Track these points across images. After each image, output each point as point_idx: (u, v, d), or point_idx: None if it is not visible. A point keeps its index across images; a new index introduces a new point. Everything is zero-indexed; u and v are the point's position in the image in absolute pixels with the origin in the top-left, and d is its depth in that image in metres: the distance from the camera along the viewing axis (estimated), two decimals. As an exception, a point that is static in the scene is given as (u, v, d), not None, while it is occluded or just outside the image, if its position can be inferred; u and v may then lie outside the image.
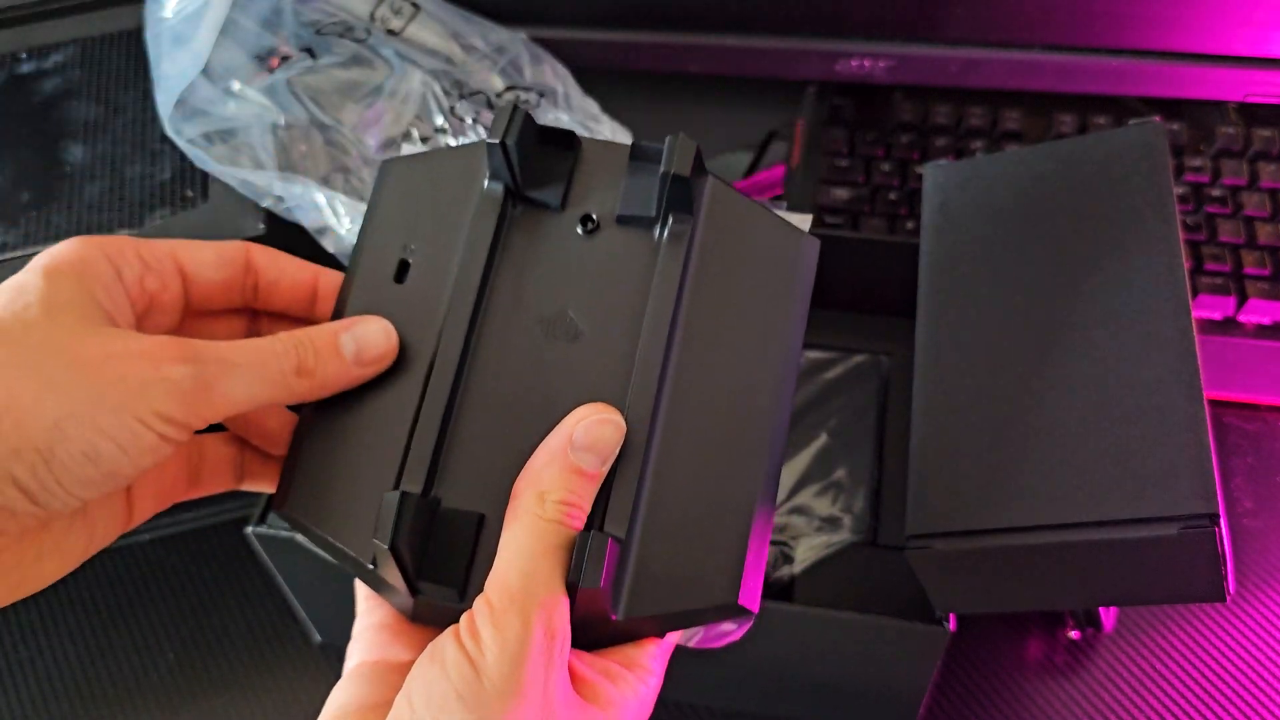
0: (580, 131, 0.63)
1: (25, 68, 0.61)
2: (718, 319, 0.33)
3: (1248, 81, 0.65)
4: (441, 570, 0.31)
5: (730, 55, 0.69)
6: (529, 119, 0.33)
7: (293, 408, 0.35)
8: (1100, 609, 0.53)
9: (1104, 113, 0.68)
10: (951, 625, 0.44)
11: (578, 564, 0.28)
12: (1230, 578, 0.41)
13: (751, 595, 0.31)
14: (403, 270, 0.34)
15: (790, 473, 0.56)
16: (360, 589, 0.36)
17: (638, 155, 0.34)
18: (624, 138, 0.65)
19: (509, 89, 0.64)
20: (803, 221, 0.35)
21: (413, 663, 0.31)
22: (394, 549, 0.29)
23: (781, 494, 0.55)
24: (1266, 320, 0.61)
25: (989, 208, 0.50)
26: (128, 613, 0.58)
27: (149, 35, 0.55)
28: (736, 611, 0.31)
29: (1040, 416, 0.43)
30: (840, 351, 0.60)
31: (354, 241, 0.39)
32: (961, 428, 0.44)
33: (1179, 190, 0.64)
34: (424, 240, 0.34)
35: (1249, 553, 0.56)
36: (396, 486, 0.31)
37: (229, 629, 0.57)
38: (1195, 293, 0.61)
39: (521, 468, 0.31)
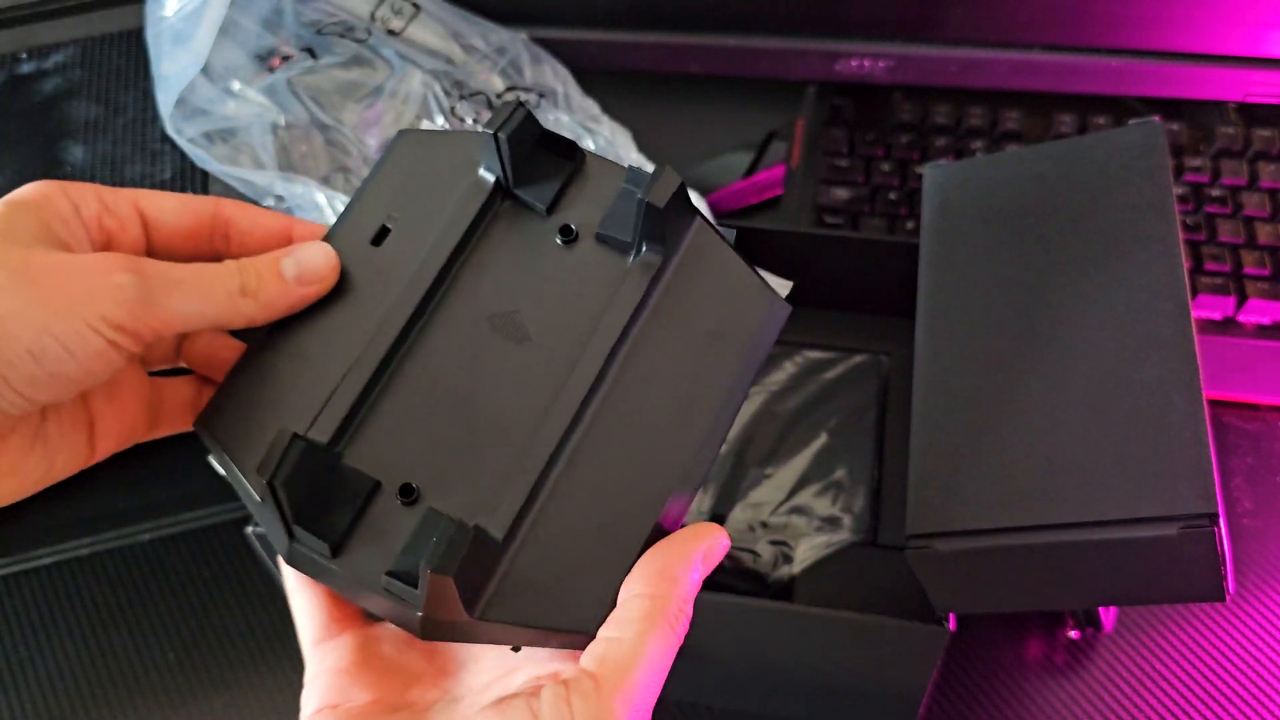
0: (579, 133, 0.63)
1: (25, 68, 0.61)
2: (663, 355, 0.32)
3: (1247, 81, 0.65)
4: (322, 523, 0.30)
5: (730, 55, 0.69)
6: (530, 119, 0.33)
7: (242, 338, 0.35)
8: (1100, 609, 0.53)
9: (1104, 113, 0.68)
10: (951, 625, 0.44)
11: (436, 548, 0.27)
12: (1230, 577, 0.41)
13: None
14: (381, 235, 0.34)
15: (790, 473, 0.56)
16: (303, 635, 0.35)
17: (633, 180, 0.34)
18: (624, 138, 0.65)
19: (509, 89, 0.64)
20: (782, 287, 0.35)
21: (375, 703, 0.31)
22: (271, 486, 0.28)
23: (781, 494, 0.55)
24: (1266, 320, 0.61)
25: (989, 208, 0.50)
26: (128, 613, 0.58)
27: (149, 34, 0.55)
28: (583, 640, 0.30)
29: (1040, 416, 0.43)
30: (840, 351, 0.60)
31: None
32: (961, 428, 0.44)
33: (1179, 190, 0.64)
34: (410, 211, 0.35)
35: (1248, 552, 0.56)
36: (307, 431, 0.31)
37: (229, 629, 0.57)
38: (1195, 293, 0.61)
39: (428, 450, 0.31)
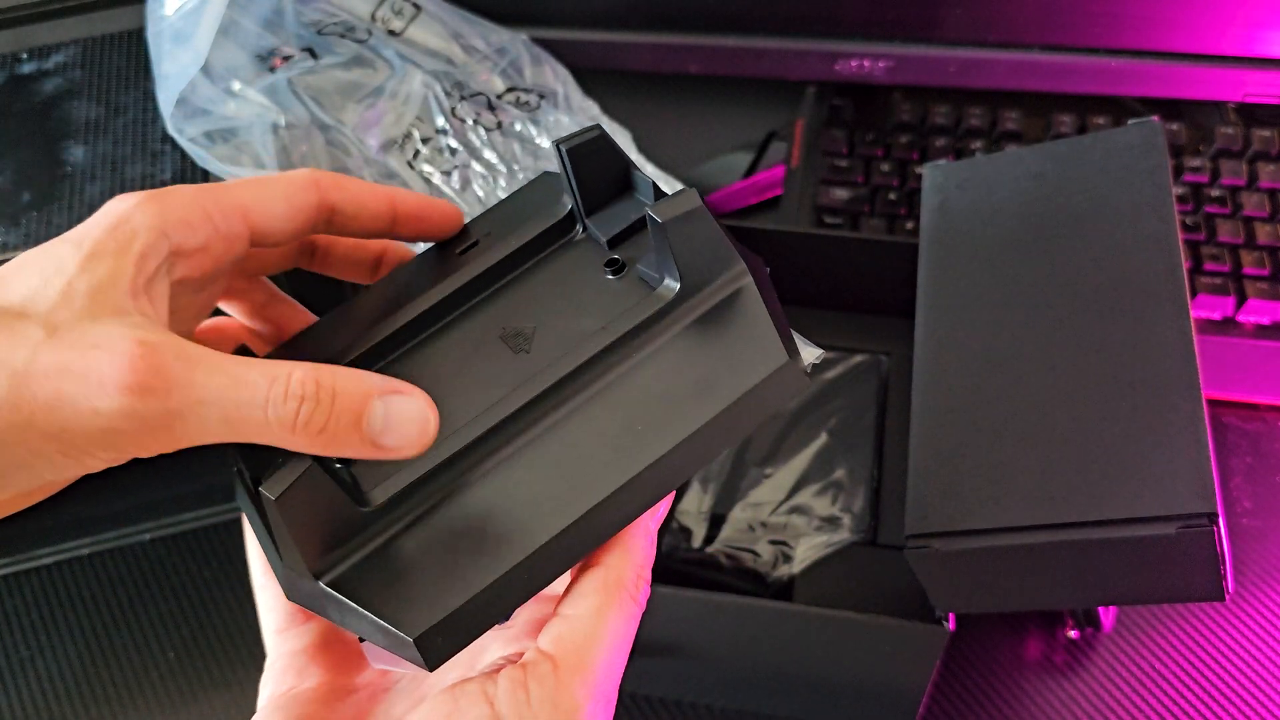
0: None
1: (26, 68, 0.61)
2: (635, 387, 0.30)
3: (1246, 82, 0.65)
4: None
5: (730, 55, 0.69)
6: (609, 146, 0.32)
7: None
8: (1099, 609, 0.53)
9: (1103, 113, 0.68)
10: (951, 625, 0.45)
11: (276, 473, 0.26)
12: (1229, 577, 0.41)
13: (438, 657, 0.28)
14: (470, 247, 0.34)
15: (790, 472, 0.56)
16: (266, 625, 0.34)
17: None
18: (624, 139, 0.65)
19: (509, 90, 0.64)
20: (809, 353, 0.33)
21: (327, 686, 0.30)
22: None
23: (781, 493, 0.55)
24: (1265, 320, 0.61)
25: (988, 208, 0.50)
26: (128, 612, 0.58)
27: (150, 34, 0.55)
28: (410, 654, 0.28)
29: (1039, 416, 0.43)
30: (840, 351, 0.60)
31: None
32: (961, 427, 0.44)
33: (1178, 190, 0.64)
34: (500, 230, 0.34)
35: (1248, 552, 0.56)
36: None
37: (229, 629, 0.57)
38: (1194, 293, 0.61)
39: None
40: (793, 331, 0.32)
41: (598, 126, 0.32)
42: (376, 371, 0.30)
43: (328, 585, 0.28)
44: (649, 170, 0.62)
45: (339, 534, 0.28)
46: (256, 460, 0.28)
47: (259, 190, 0.30)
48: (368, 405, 0.26)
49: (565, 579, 0.30)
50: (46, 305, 0.25)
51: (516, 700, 0.26)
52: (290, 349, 0.34)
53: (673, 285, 0.31)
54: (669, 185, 0.61)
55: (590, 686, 0.27)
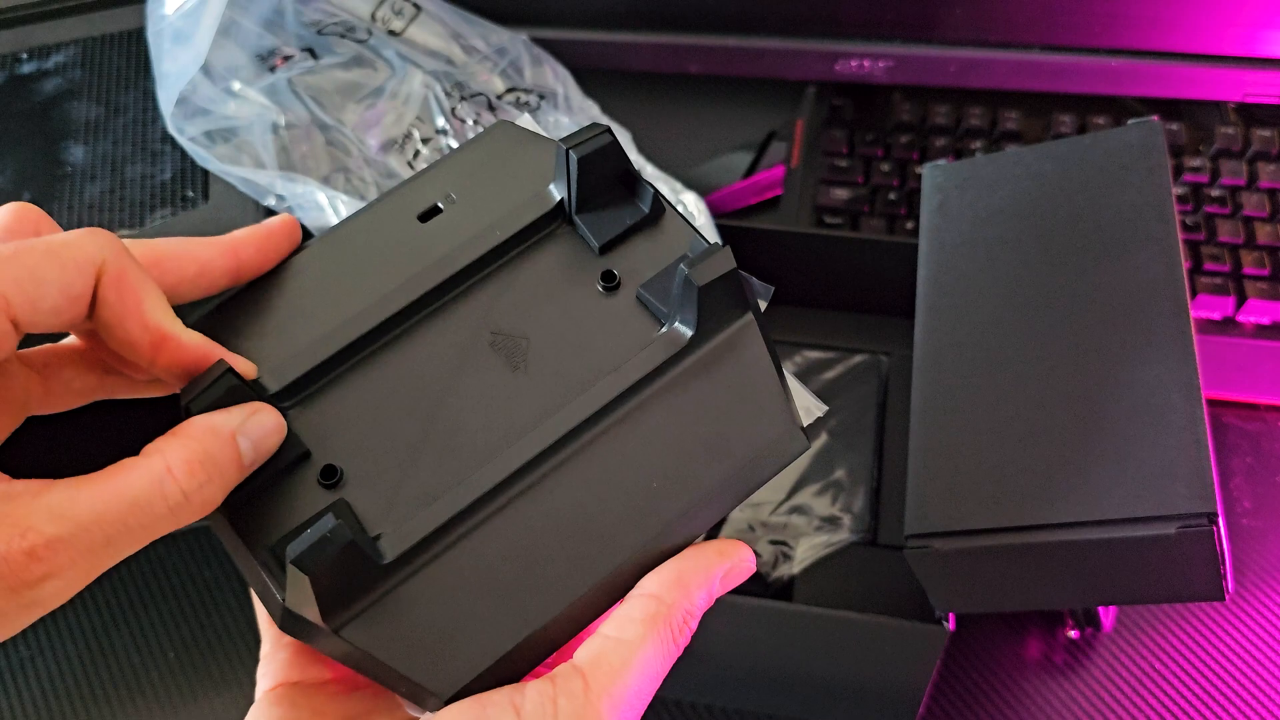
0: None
1: (26, 68, 0.61)
2: (650, 439, 0.29)
3: (1246, 82, 0.65)
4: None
5: (730, 55, 0.69)
6: (615, 149, 0.31)
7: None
8: (1099, 608, 0.53)
9: (1103, 113, 0.68)
10: (951, 624, 0.45)
11: (305, 541, 0.25)
12: (1229, 577, 0.41)
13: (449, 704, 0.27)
14: (431, 213, 0.33)
15: (790, 472, 0.56)
16: (261, 611, 0.33)
17: (695, 249, 0.31)
18: (624, 139, 0.65)
19: (509, 90, 0.64)
20: (815, 409, 0.32)
21: (337, 682, 0.30)
22: (186, 409, 0.27)
23: (781, 493, 0.55)
24: (1266, 320, 0.61)
25: (988, 208, 0.50)
26: (128, 612, 0.58)
27: (150, 33, 0.55)
28: (433, 703, 0.28)
29: (1039, 416, 0.43)
30: (840, 351, 0.60)
31: None
32: (960, 428, 0.44)
33: (1178, 190, 0.64)
34: (469, 199, 0.33)
35: (1248, 552, 0.56)
36: (259, 377, 0.29)
37: (229, 629, 0.57)
38: (1194, 293, 0.61)
39: (373, 441, 0.29)
40: (795, 381, 0.32)
41: (606, 129, 0.31)
42: (353, 367, 0.30)
43: (344, 637, 0.27)
44: (648, 171, 0.62)
45: (355, 587, 0.27)
46: (240, 501, 0.28)
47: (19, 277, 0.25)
48: (235, 446, 0.27)
49: None
50: None
51: (543, 713, 0.26)
52: (227, 331, 0.31)
53: (685, 333, 0.30)
54: (669, 185, 0.61)
55: (616, 710, 0.27)
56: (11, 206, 0.28)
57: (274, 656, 0.32)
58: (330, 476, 0.29)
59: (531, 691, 0.27)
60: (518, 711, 0.26)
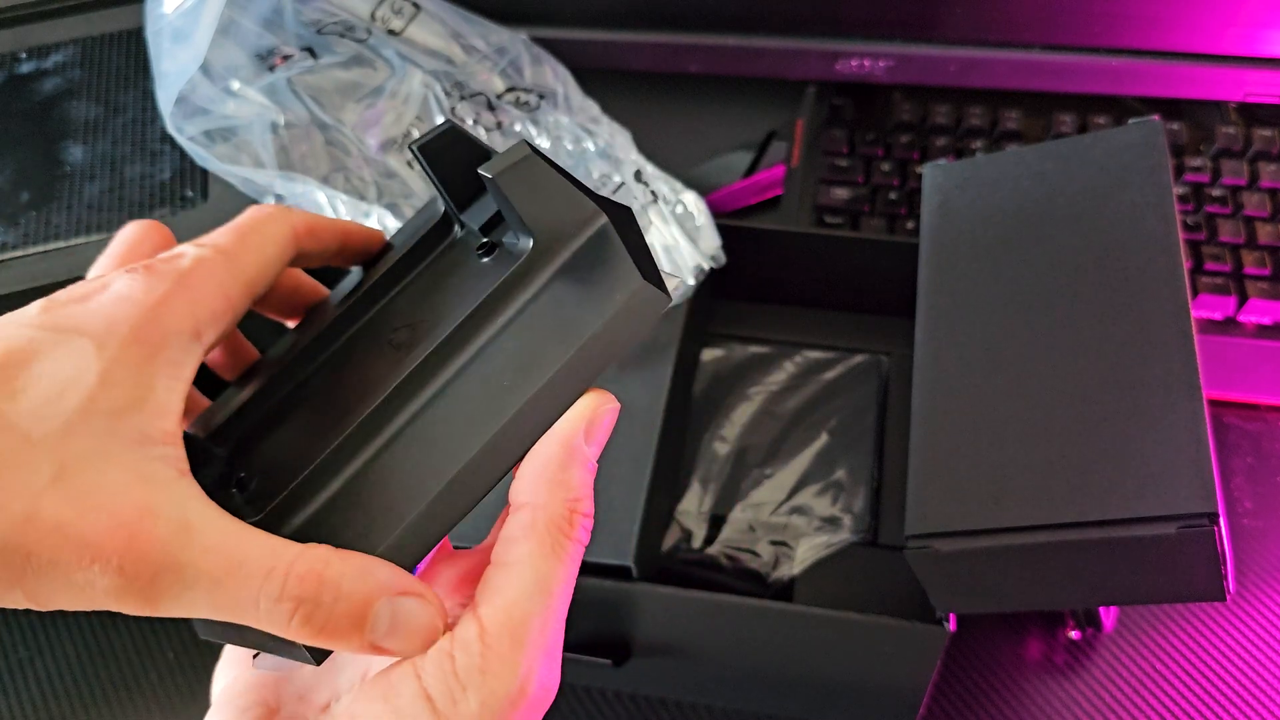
0: (579, 134, 0.63)
1: (25, 67, 0.61)
2: (510, 331, 0.29)
3: (1247, 81, 0.65)
4: None
5: (730, 55, 0.69)
6: (460, 138, 0.31)
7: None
8: (1100, 609, 0.53)
9: (1104, 112, 0.68)
10: (951, 625, 0.44)
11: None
12: (1230, 577, 0.41)
13: None
14: (379, 258, 0.34)
15: (790, 473, 0.56)
16: None
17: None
18: (624, 138, 0.65)
19: (509, 90, 0.64)
20: (670, 280, 0.32)
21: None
22: None
23: (781, 494, 0.55)
24: (1267, 320, 0.61)
25: (988, 208, 0.50)
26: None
27: (149, 32, 0.55)
28: None
29: (1039, 416, 0.43)
30: (840, 351, 0.60)
31: None
32: (961, 428, 0.44)
33: (1179, 190, 0.64)
34: (399, 241, 0.34)
35: (1249, 552, 0.56)
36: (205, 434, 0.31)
37: (229, 629, 0.57)
38: (1195, 293, 0.61)
39: (285, 450, 0.28)
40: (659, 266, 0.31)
41: (448, 121, 0.31)
42: (290, 395, 0.30)
43: None
44: (649, 171, 0.62)
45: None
46: None
47: (259, 256, 0.28)
48: (372, 608, 0.24)
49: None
50: (58, 428, 0.23)
51: (443, 672, 0.24)
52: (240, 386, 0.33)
53: (526, 242, 0.29)
54: (669, 185, 0.61)
55: (523, 646, 0.25)
56: (138, 226, 0.30)
57: (223, 656, 0.32)
58: (243, 487, 0.29)
59: (430, 651, 0.25)
60: (419, 675, 0.25)
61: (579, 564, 0.26)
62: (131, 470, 0.23)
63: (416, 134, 0.60)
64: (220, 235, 0.28)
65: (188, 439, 0.28)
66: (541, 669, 0.25)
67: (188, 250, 0.27)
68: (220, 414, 0.31)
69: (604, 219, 0.29)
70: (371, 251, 0.34)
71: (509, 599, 0.25)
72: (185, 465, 0.25)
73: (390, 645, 0.25)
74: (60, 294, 0.25)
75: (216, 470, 0.30)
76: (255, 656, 0.29)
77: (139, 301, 0.25)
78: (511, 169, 0.28)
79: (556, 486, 0.26)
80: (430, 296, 0.32)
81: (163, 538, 0.23)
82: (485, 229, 0.31)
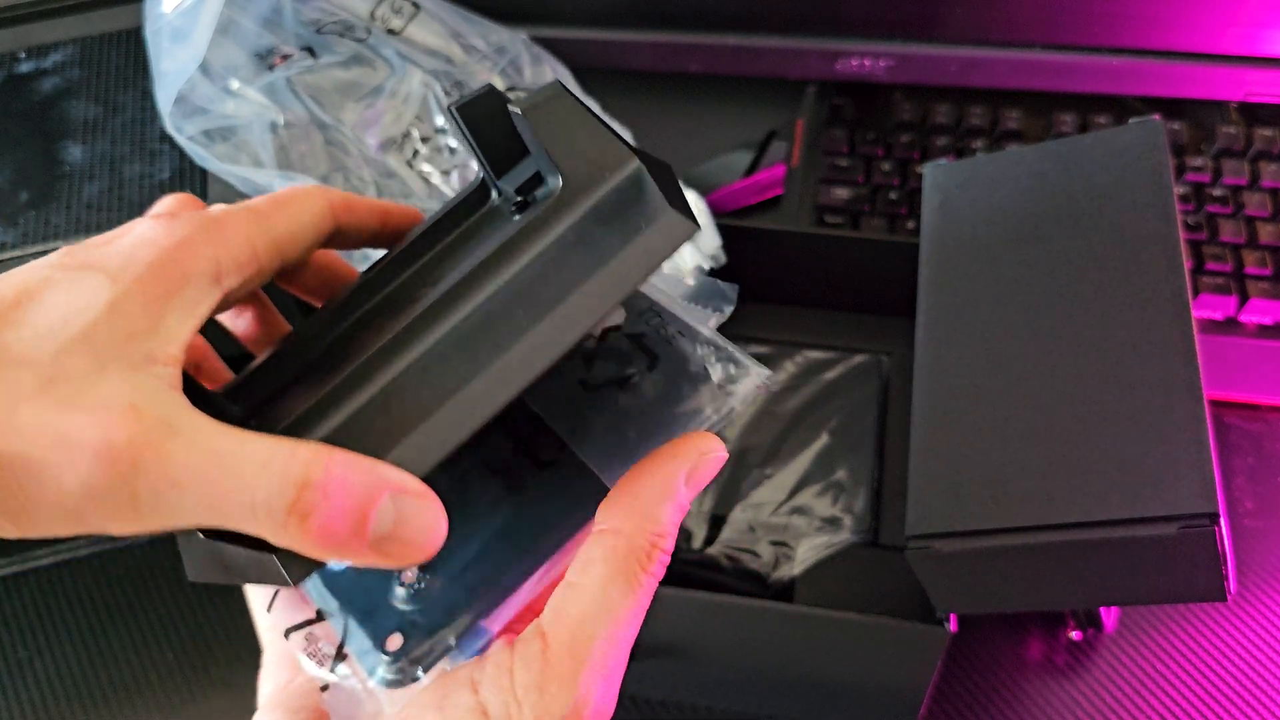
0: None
1: (24, 67, 0.61)
2: (529, 268, 0.28)
3: (1248, 81, 0.65)
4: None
5: (730, 55, 0.69)
6: (496, 99, 0.30)
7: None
8: (1101, 609, 0.53)
9: (1104, 112, 0.68)
10: (952, 625, 0.44)
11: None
12: (1231, 577, 0.40)
13: None
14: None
15: (791, 473, 0.56)
16: (256, 613, 0.31)
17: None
18: (623, 138, 0.65)
19: (509, 90, 0.64)
20: (698, 207, 0.31)
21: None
22: None
23: (782, 494, 0.55)
24: (1268, 320, 0.61)
25: (989, 207, 0.50)
26: (127, 613, 0.58)
27: (148, 32, 0.55)
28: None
29: (1040, 416, 0.43)
30: (840, 351, 0.60)
31: None
32: (961, 428, 0.44)
33: (1180, 190, 0.64)
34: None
35: (1250, 553, 0.56)
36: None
37: (229, 629, 0.57)
38: (1196, 292, 0.60)
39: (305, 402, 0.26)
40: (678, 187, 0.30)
41: (488, 85, 0.30)
42: (312, 358, 0.29)
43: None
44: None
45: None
46: None
47: (292, 222, 0.28)
48: (375, 504, 0.22)
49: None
50: (53, 349, 0.22)
51: (500, 687, 0.24)
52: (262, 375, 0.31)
53: (556, 181, 0.28)
54: (669, 185, 0.61)
55: (584, 668, 0.24)
56: (174, 197, 0.29)
57: (270, 660, 0.31)
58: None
59: (489, 664, 0.25)
60: (475, 687, 0.24)
61: (650, 599, 0.26)
62: (124, 382, 0.22)
63: (416, 133, 0.60)
64: (255, 199, 0.28)
65: (203, 394, 0.28)
66: (598, 694, 0.24)
67: (218, 206, 0.27)
68: (240, 377, 0.30)
69: (636, 162, 0.28)
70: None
71: (576, 619, 0.25)
72: (180, 384, 0.24)
73: (391, 549, 0.23)
74: (86, 240, 0.25)
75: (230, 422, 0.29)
76: (323, 690, 0.28)
77: (160, 244, 0.24)
78: (543, 105, 0.27)
79: (645, 519, 0.26)
80: (459, 255, 0.31)
81: (147, 428, 0.22)
82: (521, 190, 0.30)
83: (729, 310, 0.32)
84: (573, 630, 0.25)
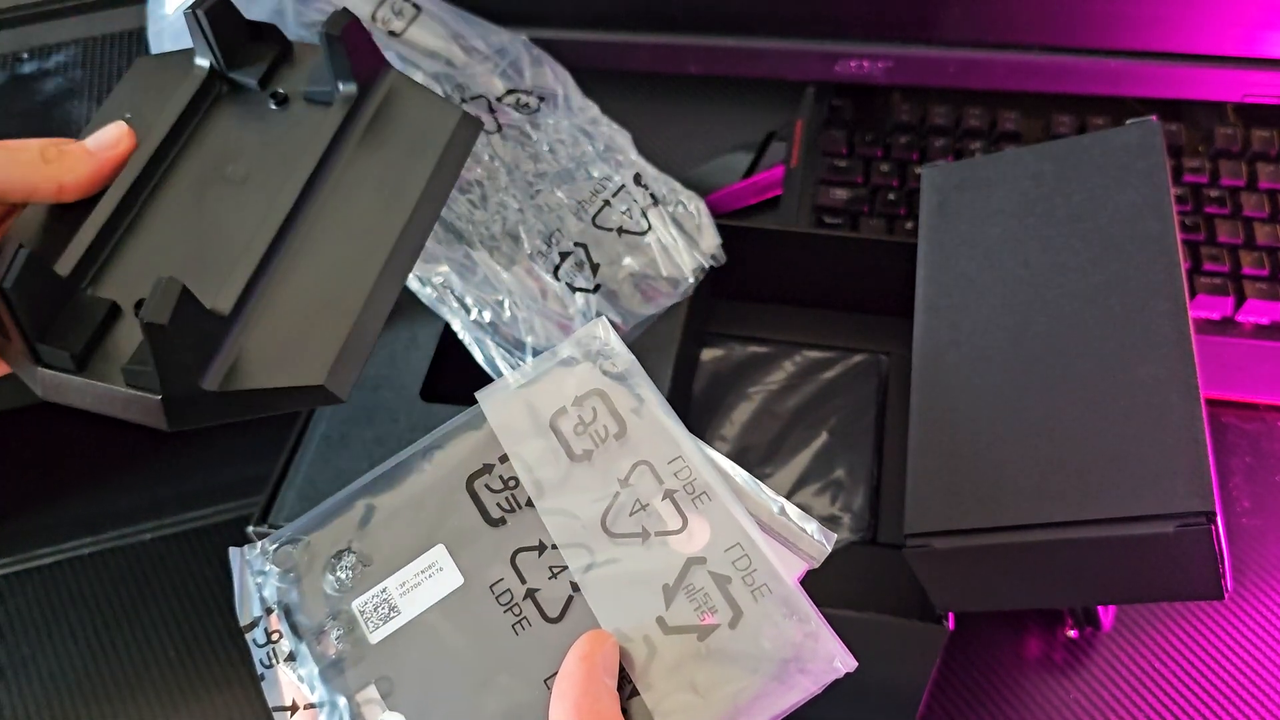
0: (578, 136, 0.63)
1: (26, 68, 0.61)
2: (364, 168, 0.39)
3: (1246, 82, 0.65)
4: (65, 340, 0.34)
5: (730, 56, 0.69)
6: (229, 6, 0.39)
7: None
8: (1099, 607, 0.53)
9: (1102, 113, 0.68)
10: (950, 623, 0.45)
11: (148, 303, 0.31)
12: (1228, 576, 0.41)
13: (342, 383, 0.34)
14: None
15: (790, 472, 0.56)
16: None
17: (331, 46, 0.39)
18: (623, 139, 0.65)
19: (509, 92, 0.64)
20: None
21: None
22: (3, 293, 0.32)
23: (781, 493, 0.55)
24: (1265, 320, 0.61)
25: (987, 208, 0.51)
26: (129, 611, 0.58)
27: (151, 33, 0.55)
28: (323, 397, 0.34)
29: (1038, 415, 0.43)
30: (840, 351, 0.60)
31: None
32: (959, 427, 0.44)
33: (1177, 191, 0.64)
34: (142, 109, 0.40)
35: (1247, 551, 0.56)
36: (70, 273, 0.36)
37: (229, 628, 0.57)
38: (1194, 293, 0.61)
39: (164, 273, 0.32)
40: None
41: None
42: (117, 243, 0.37)
43: (225, 389, 0.33)
44: (649, 173, 0.62)
45: (212, 344, 0.34)
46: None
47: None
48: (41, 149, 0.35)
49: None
50: None
51: None
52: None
53: (352, 89, 0.39)
54: (669, 186, 0.61)
55: None
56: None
57: None
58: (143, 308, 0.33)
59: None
60: None
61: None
62: None
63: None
64: None
65: (29, 261, 0.33)
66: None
67: None
68: (67, 254, 0.36)
69: (393, 70, 0.41)
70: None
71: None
72: None
73: (104, 150, 0.37)
74: None
75: (102, 306, 0.35)
76: None
77: None
78: (342, 30, 0.38)
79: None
80: (243, 141, 0.39)
81: None
82: (263, 83, 0.40)
83: (821, 559, 0.34)
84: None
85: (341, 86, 0.39)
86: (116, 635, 0.57)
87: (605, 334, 0.35)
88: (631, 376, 0.34)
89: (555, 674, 0.30)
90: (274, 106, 0.40)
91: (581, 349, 0.35)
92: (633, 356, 0.34)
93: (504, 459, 0.33)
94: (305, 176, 0.37)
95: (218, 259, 0.36)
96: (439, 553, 0.32)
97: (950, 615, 0.45)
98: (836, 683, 0.51)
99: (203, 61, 0.40)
